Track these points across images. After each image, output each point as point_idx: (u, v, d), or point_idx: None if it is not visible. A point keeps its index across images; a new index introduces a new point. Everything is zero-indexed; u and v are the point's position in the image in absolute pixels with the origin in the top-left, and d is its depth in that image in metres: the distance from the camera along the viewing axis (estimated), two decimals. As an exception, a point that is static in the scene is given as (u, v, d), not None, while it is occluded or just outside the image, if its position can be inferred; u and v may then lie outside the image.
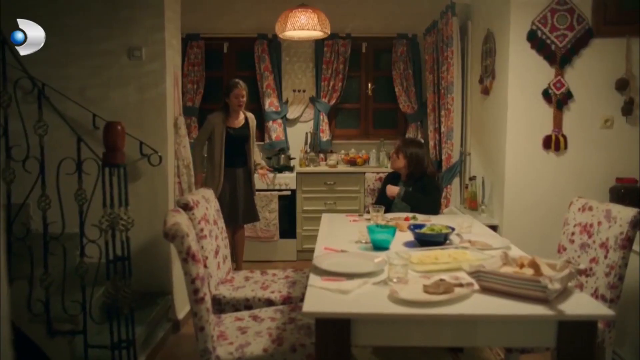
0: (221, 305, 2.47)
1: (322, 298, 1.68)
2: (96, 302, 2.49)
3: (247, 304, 2.46)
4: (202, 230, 2.36)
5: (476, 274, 1.74)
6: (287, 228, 4.92)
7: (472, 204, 3.94)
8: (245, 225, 4.37)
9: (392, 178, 3.48)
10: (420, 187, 3.27)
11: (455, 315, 1.57)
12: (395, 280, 1.79)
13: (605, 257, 2.12)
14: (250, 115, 4.24)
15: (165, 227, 1.81)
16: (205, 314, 1.84)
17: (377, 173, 3.81)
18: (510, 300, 1.64)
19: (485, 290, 1.72)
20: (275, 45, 5.25)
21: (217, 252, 2.57)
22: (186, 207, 2.29)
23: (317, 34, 4.07)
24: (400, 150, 3.34)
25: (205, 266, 2.37)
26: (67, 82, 3.10)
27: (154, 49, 3.18)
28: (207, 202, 2.57)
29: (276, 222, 4.82)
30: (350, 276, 1.86)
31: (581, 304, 1.62)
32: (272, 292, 2.52)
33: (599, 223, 2.22)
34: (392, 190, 3.28)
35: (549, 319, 1.56)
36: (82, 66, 3.17)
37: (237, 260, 4.25)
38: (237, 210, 4.11)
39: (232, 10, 5.24)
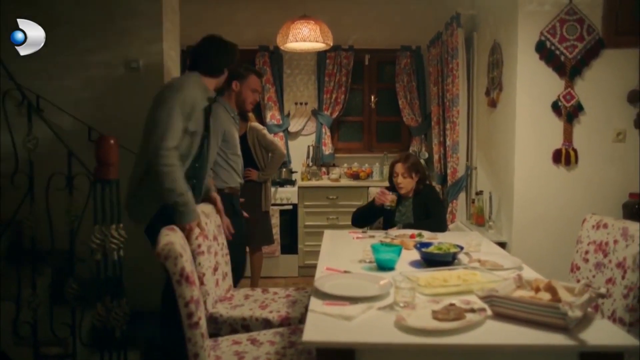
0: (218, 324, 2.38)
1: (323, 325, 1.58)
2: (87, 324, 2.38)
3: (244, 324, 2.37)
4: (199, 246, 2.31)
5: (488, 298, 1.62)
6: (289, 243, 4.82)
7: (479, 220, 3.84)
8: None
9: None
10: (423, 203, 3.16)
11: (468, 346, 1.46)
12: (402, 304, 1.68)
13: (623, 277, 2.01)
14: (253, 126, 3.74)
15: (158, 247, 1.72)
16: (200, 340, 1.74)
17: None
18: (526, 327, 1.52)
19: (499, 316, 1.61)
20: (276, 57, 5.19)
21: (215, 269, 2.50)
22: None
23: (319, 45, 4.02)
24: (411, 169, 3.14)
25: (202, 283, 2.31)
26: (62, 94, 3.04)
27: (152, 60, 3.13)
28: (206, 218, 2.52)
29: (277, 238, 4.72)
30: (354, 300, 1.76)
31: (604, 333, 1.50)
32: (270, 311, 2.42)
33: (615, 241, 2.11)
34: (385, 198, 3.04)
35: (570, 350, 1.44)
36: (78, 78, 3.12)
37: (252, 281, 4.09)
38: None
39: (233, 21, 5.18)
